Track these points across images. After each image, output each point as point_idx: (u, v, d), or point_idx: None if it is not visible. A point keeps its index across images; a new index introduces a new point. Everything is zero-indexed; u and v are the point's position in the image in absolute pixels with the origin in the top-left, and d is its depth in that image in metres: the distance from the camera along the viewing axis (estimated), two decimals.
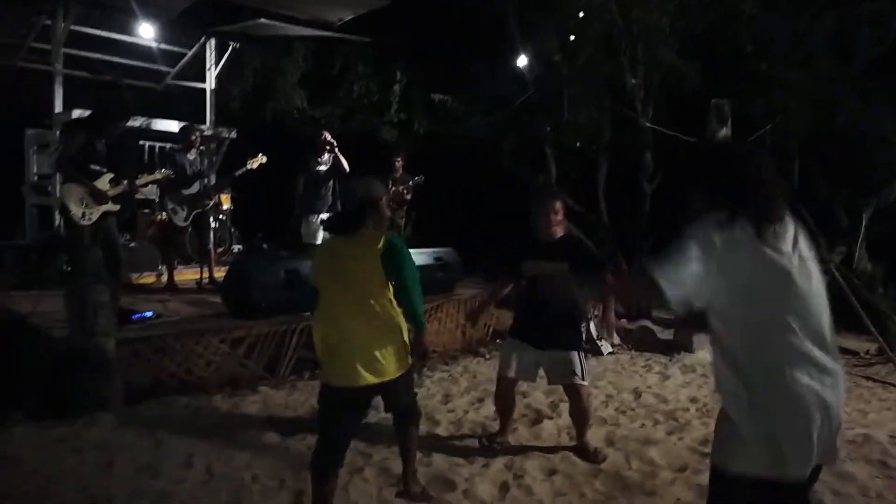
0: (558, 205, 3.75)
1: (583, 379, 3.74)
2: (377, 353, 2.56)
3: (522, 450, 3.91)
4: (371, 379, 2.56)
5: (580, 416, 3.84)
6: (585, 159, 10.28)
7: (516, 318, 4.07)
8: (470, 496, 3.14)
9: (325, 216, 6.60)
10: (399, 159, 8.15)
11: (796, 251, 1.75)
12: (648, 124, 9.09)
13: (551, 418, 4.52)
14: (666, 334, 7.61)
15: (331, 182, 6.91)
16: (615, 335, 7.60)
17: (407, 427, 2.96)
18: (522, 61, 9.43)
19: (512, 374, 3.89)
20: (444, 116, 10.24)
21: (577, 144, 10.14)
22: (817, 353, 1.68)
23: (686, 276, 1.69)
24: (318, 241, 6.43)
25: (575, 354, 3.74)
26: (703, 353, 7.01)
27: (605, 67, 9.18)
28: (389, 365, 2.61)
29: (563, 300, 3.71)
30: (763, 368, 1.69)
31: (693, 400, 5.15)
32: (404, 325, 2.70)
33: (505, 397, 3.99)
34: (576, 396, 3.79)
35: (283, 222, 7.90)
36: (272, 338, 5.39)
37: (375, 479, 3.38)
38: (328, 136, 6.91)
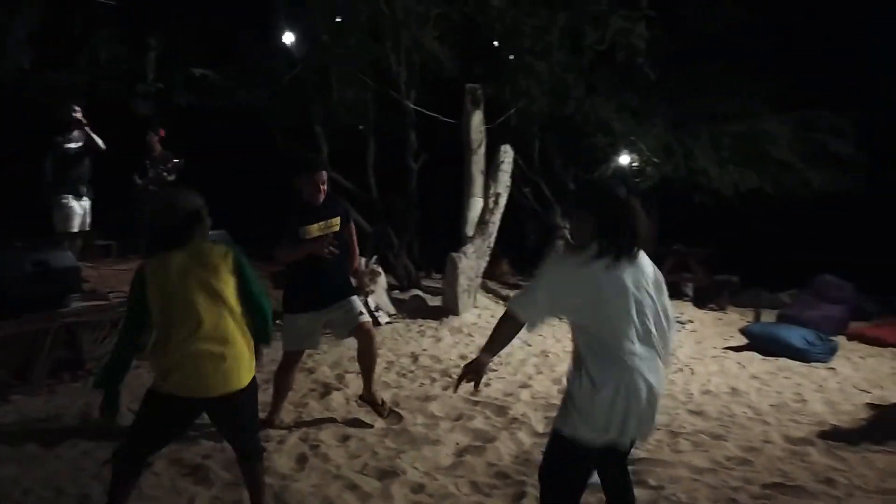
0: (325, 175, 3.96)
1: (368, 316, 4.02)
2: (239, 362, 2.50)
3: (316, 422, 4.10)
4: (229, 388, 2.48)
5: (370, 360, 4.04)
6: (355, 138, 10.57)
7: (292, 293, 4.04)
8: (270, 472, 3.26)
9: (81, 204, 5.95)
10: (156, 136, 7.50)
11: (641, 282, 2.22)
12: (412, 106, 9.64)
13: (339, 389, 4.76)
14: (435, 301, 8.29)
15: (86, 161, 6.24)
16: (391, 306, 8.07)
17: (252, 465, 2.76)
18: (289, 38, 9.31)
19: (300, 345, 4.01)
20: (208, 90, 9.70)
21: (347, 123, 10.36)
22: (644, 348, 2.17)
23: (544, 304, 2.24)
24: (75, 228, 5.82)
25: (355, 298, 4.01)
26: (468, 315, 7.82)
27: (371, 49, 9.48)
28: (245, 375, 2.53)
29: (337, 255, 3.85)
30: (602, 357, 2.15)
31: (463, 357, 5.77)
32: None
33: (289, 373, 4.06)
34: (366, 336, 3.98)
35: (27, 205, 6.94)
36: (22, 339, 4.81)
37: (167, 469, 3.32)
38: (78, 113, 6.21)
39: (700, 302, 10.36)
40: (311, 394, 4.68)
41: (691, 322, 8.54)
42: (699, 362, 6.21)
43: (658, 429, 4.08)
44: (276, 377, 4.08)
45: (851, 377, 5.78)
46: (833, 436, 4.07)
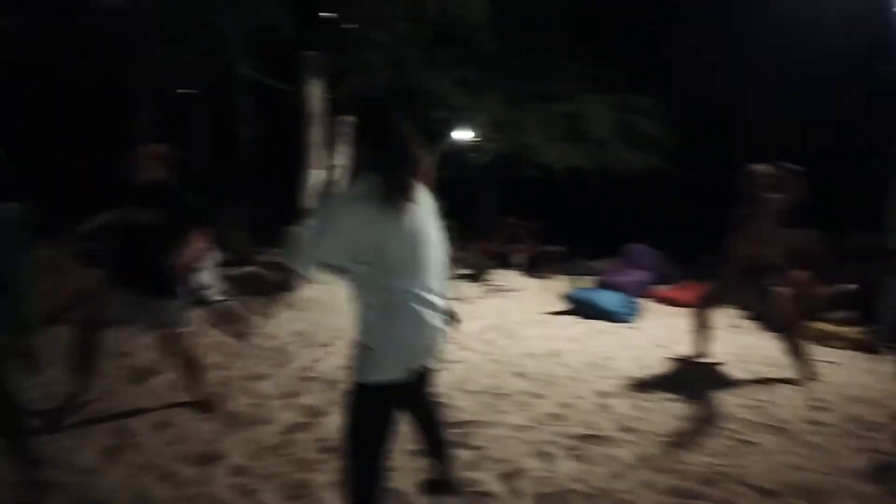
0: (155, 148, 3.62)
1: (180, 326, 3.67)
2: None
3: (129, 411, 3.79)
4: None
5: (185, 366, 3.77)
6: (183, 103, 9.82)
7: (112, 266, 3.69)
8: (71, 469, 2.96)
9: None
10: None
11: (419, 219, 2.18)
12: (246, 71, 9.13)
13: (157, 374, 4.45)
14: (272, 276, 8.01)
15: None
16: (222, 283, 7.67)
17: None
18: None
19: (107, 313, 3.59)
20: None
21: (174, 88, 9.59)
22: (426, 284, 2.19)
23: (327, 249, 2.09)
24: None
25: (169, 303, 3.61)
26: (307, 291, 7.65)
27: (201, 10, 8.80)
28: None
29: (157, 248, 3.51)
30: (385, 297, 2.13)
31: (298, 333, 5.65)
32: None
33: (90, 346, 3.57)
34: (174, 345, 3.68)
35: None
36: None
37: None
38: None
39: (530, 271, 11.00)
40: (124, 379, 4.33)
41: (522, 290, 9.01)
42: (524, 327, 6.62)
43: (483, 392, 4.31)
44: (76, 350, 3.57)
45: (653, 335, 6.46)
46: (636, 388, 4.54)
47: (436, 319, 2.22)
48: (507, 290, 9.30)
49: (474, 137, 11.76)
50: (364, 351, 2.16)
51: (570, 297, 7.66)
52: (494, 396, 4.25)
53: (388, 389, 2.16)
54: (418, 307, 2.15)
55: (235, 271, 8.53)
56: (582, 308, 7.35)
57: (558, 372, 4.93)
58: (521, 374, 4.81)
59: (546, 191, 13.82)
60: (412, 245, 2.14)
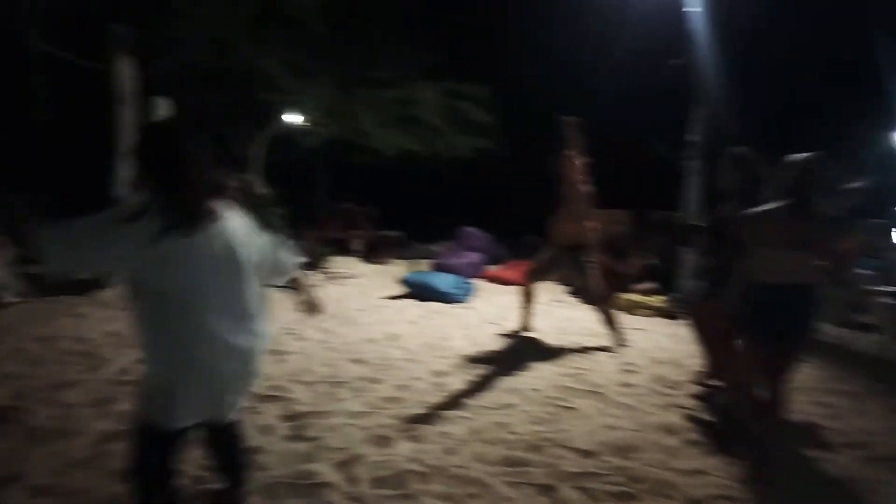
0: None
1: None
2: None
3: None
4: None
5: None
6: None
7: None
8: None
9: None
10: None
11: (215, 235, 1.95)
12: (42, 45, 8.06)
13: None
14: (79, 274, 7.22)
15: None
16: (18, 283, 6.78)
17: None
18: None
19: None
20: None
21: None
22: (227, 313, 1.97)
23: (90, 255, 1.81)
24: None
25: None
26: (120, 289, 7.00)
27: None
28: None
29: None
30: (174, 331, 1.91)
31: (111, 334, 5.15)
32: None
33: None
34: None
35: None
36: None
37: None
38: None
39: (368, 257, 10.99)
40: None
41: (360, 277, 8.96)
42: (363, 313, 6.60)
43: (321, 381, 4.23)
44: None
45: (485, 313, 6.76)
46: (469, 365, 4.71)
47: (241, 348, 2.02)
48: (345, 277, 9.21)
49: (305, 122, 11.43)
50: (148, 386, 1.99)
51: (406, 282, 7.77)
52: (332, 385, 4.19)
53: (179, 433, 2.01)
54: (214, 341, 1.94)
55: (36, 269, 7.57)
56: (418, 291, 7.49)
57: (396, 355, 4.97)
58: (359, 361, 4.79)
59: (381, 176, 13.85)
60: (209, 272, 1.92)
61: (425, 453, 3.15)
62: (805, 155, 2.93)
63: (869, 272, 7.62)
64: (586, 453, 3.19)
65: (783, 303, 2.86)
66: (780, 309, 2.87)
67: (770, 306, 2.87)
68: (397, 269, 9.86)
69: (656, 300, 7.12)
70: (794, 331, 2.91)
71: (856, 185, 4.20)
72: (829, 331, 6.08)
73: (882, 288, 7.02)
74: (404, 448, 3.21)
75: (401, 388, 4.17)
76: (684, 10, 7.22)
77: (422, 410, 3.74)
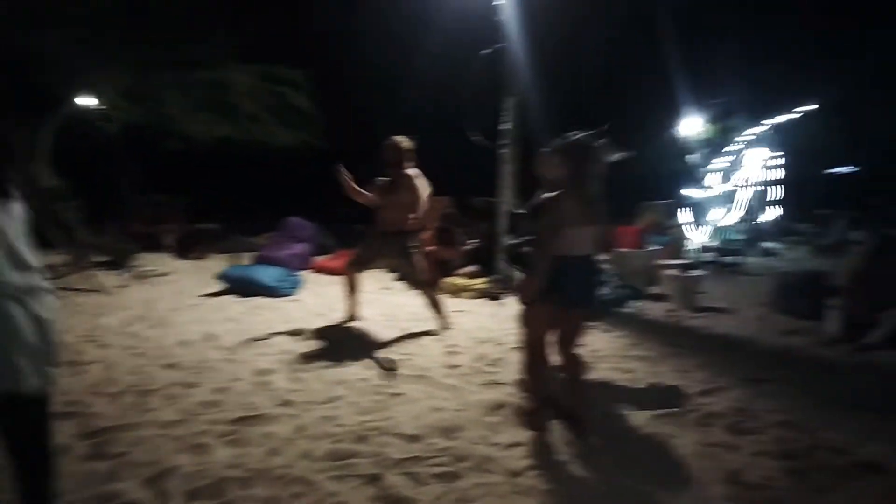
0: None
1: None
2: None
3: None
4: None
5: None
6: None
7: None
8: None
9: None
10: None
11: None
12: None
13: None
14: None
15: None
16: None
17: None
18: None
19: None
20: None
21: None
22: (22, 277, 1.91)
23: None
24: None
25: None
26: None
27: None
28: None
29: None
30: None
31: None
32: None
33: None
34: None
35: None
36: None
37: None
38: None
39: (181, 252, 10.23)
40: None
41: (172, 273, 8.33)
42: (177, 313, 6.12)
43: (127, 391, 3.84)
44: None
45: (312, 305, 6.59)
46: (295, 361, 4.55)
47: (41, 318, 1.95)
48: (156, 276, 8.48)
49: (100, 106, 10.29)
50: None
51: (225, 277, 7.33)
52: (139, 394, 3.81)
53: None
54: (11, 304, 1.87)
55: None
56: (240, 286, 7.10)
57: (214, 356, 4.66)
58: (171, 366, 4.41)
59: (199, 166, 12.94)
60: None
61: (247, 457, 2.98)
62: (577, 136, 3.20)
63: (658, 247, 8.60)
64: (412, 438, 3.22)
65: (571, 272, 3.14)
66: (570, 277, 3.14)
67: (561, 276, 3.13)
68: (215, 264, 9.28)
69: (479, 283, 7.43)
70: (582, 297, 3.22)
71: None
72: (629, 302, 6.73)
73: (669, 261, 7.94)
74: (223, 454, 3.01)
75: (219, 391, 3.91)
76: (494, 3, 7.53)
77: (243, 413, 3.53)
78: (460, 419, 3.47)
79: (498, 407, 3.67)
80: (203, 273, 8.64)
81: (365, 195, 5.45)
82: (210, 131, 11.08)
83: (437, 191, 5.68)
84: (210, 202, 11.35)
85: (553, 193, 3.17)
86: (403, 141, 5.37)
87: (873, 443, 3.29)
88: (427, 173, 5.45)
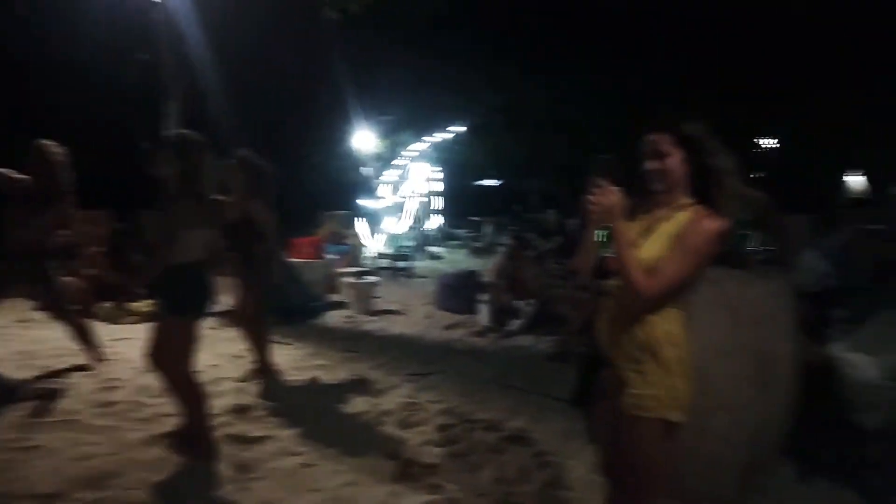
0: None
1: None
2: None
3: None
4: None
5: None
6: None
7: None
8: None
9: None
10: None
11: None
12: None
13: None
14: None
15: None
16: None
17: None
18: None
19: None
20: None
21: None
22: None
23: None
24: None
25: None
26: None
27: None
28: None
29: None
30: None
31: None
32: None
33: None
34: None
35: None
36: None
37: None
38: None
39: None
40: None
41: None
42: None
43: None
44: None
45: None
46: None
47: None
48: None
49: None
50: None
51: None
52: None
53: None
54: None
55: None
56: None
57: None
58: None
59: None
60: None
61: None
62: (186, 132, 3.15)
63: (337, 256, 8.85)
64: (51, 497, 2.70)
65: (190, 280, 3.00)
66: (188, 286, 3.00)
67: (181, 284, 2.97)
68: None
69: (143, 305, 6.67)
70: (196, 304, 3.06)
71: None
72: (313, 312, 6.76)
73: (347, 269, 8.23)
74: None
75: None
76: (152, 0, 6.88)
77: None
78: (115, 464, 3.03)
79: (161, 442, 3.30)
80: None
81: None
82: None
83: (94, 204, 4.90)
84: None
85: (169, 195, 2.97)
86: (51, 146, 4.49)
87: (518, 418, 3.83)
88: (86, 184, 4.67)
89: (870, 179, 12.01)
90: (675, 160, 1.75)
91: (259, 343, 4.46)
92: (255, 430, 3.46)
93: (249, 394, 4.12)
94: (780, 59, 11.48)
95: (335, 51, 10.38)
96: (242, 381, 4.35)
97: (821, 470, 3.13)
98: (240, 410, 3.77)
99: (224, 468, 3.01)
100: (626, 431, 1.78)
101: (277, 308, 4.04)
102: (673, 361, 1.72)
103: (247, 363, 4.54)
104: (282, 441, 3.34)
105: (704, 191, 1.73)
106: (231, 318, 4.23)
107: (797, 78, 11.73)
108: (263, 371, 4.43)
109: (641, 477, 1.79)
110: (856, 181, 12.32)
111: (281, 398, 4.07)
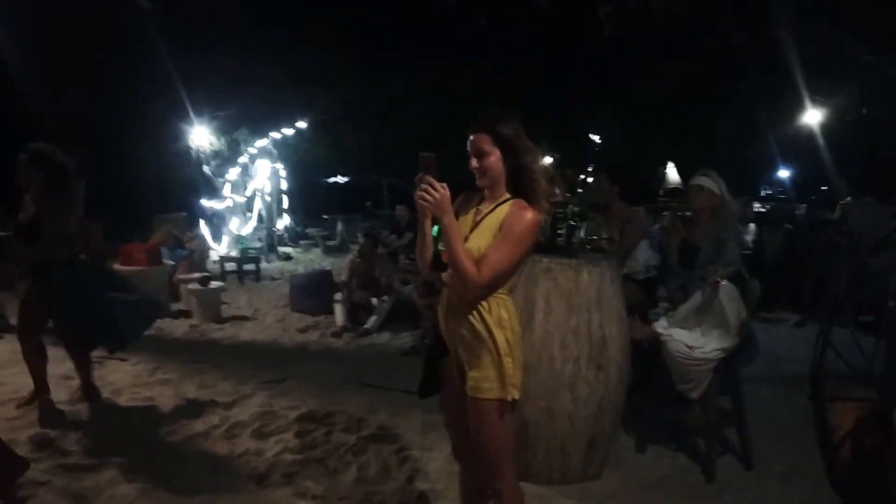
0: None
1: None
2: None
3: None
4: None
5: None
6: None
7: None
8: None
9: None
10: None
11: None
12: None
13: None
14: None
15: None
16: None
17: None
18: None
19: None
20: None
21: None
22: None
23: None
24: None
25: None
26: None
27: None
28: None
29: None
30: None
31: None
32: None
33: None
34: None
35: None
36: None
37: None
38: None
39: None
40: None
41: None
42: None
43: None
44: None
45: None
46: None
47: None
48: None
49: None
50: None
51: None
52: None
53: None
54: None
55: None
56: None
57: None
58: None
59: None
60: None
61: None
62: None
63: (175, 262, 8.29)
64: None
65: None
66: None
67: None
68: None
69: None
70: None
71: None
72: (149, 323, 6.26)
73: (189, 276, 7.74)
74: None
75: None
76: None
77: None
78: None
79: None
80: None
81: None
82: None
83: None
84: None
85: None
86: None
87: (376, 416, 3.85)
88: None
89: (679, 171, 13.34)
90: (495, 158, 1.88)
91: (79, 361, 4.02)
92: (87, 458, 3.16)
93: (80, 416, 3.77)
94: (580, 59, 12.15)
95: (157, 42, 9.57)
96: (72, 403, 3.95)
97: (655, 438, 3.50)
98: (68, 437, 3.42)
99: (56, 500, 2.73)
100: (470, 414, 1.89)
101: (102, 326, 3.68)
102: (503, 344, 1.83)
103: (76, 384, 4.12)
104: (119, 467, 3.07)
105: (520, 186, 1.89)
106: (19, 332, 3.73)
107: (601, 78, 12.56)
108: (88, 391, 4.02)
109: (490, 457, 1.90)
110: (673, 172, 13.65)
111: (118, 419, 3.76)
